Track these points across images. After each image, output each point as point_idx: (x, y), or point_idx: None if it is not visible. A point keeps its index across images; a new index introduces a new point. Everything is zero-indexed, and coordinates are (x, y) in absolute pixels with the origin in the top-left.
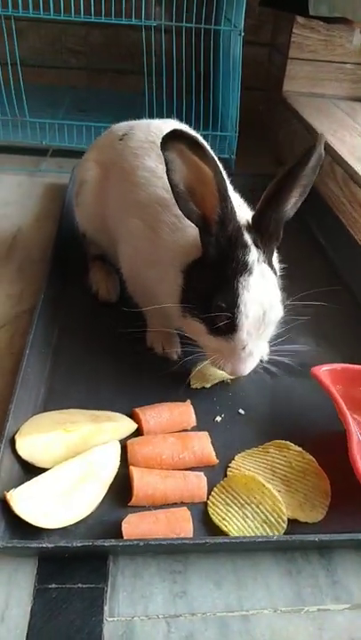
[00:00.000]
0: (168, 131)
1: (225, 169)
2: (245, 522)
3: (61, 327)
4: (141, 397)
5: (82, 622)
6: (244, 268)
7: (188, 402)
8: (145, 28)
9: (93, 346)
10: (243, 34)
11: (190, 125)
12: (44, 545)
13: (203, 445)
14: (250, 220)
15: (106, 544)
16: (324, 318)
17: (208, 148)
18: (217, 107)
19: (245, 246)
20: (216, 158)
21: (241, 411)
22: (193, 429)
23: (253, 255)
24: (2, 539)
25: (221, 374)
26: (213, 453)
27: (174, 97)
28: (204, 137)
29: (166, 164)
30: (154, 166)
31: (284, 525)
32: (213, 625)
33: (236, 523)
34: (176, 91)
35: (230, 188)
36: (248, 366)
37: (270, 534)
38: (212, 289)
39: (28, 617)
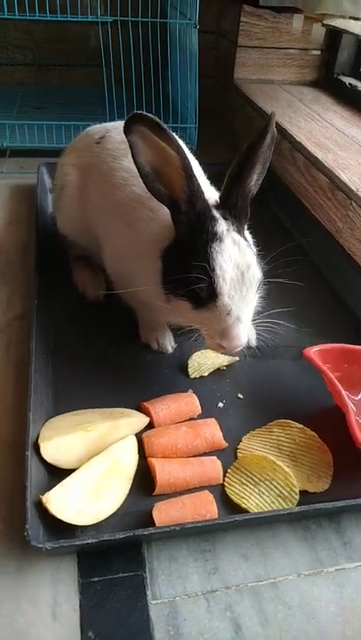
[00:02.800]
0: (131, 115)
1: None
2: (262, 498)
3: (56, 330)
4: (145, 392)
5: (129, 609)
6: (214, 237)
7: (191, 391)
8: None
9: (90, 347)
10: (198, 26)
11: None
12: (89, 541)
13: (213, 431)
14: (217, 200)
15: (146, 532)
16: (302, 302)
17: (167, 128)
18: (176, 99)
19: (215, 219)
20: (179, 139)
21: (240, 395)
22: (199, 417)
23: (223, 226)
24: (46, 540)
25: (216, 362)
26: (222, 438)
27: (134, 91)
28: None
29: (131, 148)
30: (131, 167)
31: (297, 497)
32: (247, 595)
33: (253, 499)
34: (135, 85)
35: (199, 169)
36: (239, 333)
37: (285, 506)
38: (187, 263)
39: (78, 611)
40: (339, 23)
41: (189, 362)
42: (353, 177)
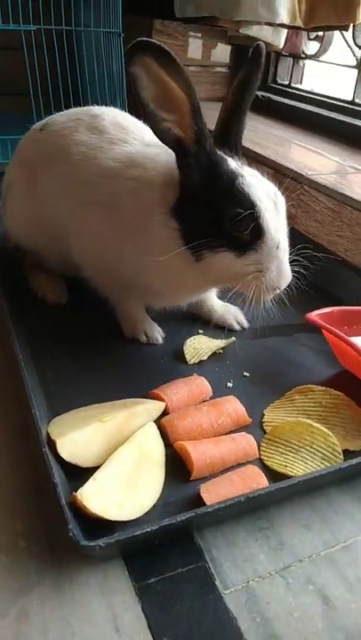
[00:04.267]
0: (134, 42)
1: None
2: (307, 463)
3: (32, 333)
4: (148, 383)
5: (202, 604)
6: (235, 174)
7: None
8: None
9: (73, 346)
10: (123, 34)
11: None
12: (148, 529)
13: (235, 407)
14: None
15: (210, 509)
16: None
17: (179, 60)
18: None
19: (223, 159)
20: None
21: (246, 373)
22: (211, 399)
23: (234, 163)
24: (89, 540)
25: (212, 345)
26: (246, 413)
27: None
28: None
29: (133, 81)
30: (87, 139)
31: (341, 457)
32: (323, 564)
33: (298, 466)
34: (53, 97)
35: None
36: (289, 269)
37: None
38: (218, 209)
39: (144, 618)
40: (255, 31)
41: (185, 348)
42: (297, 164)
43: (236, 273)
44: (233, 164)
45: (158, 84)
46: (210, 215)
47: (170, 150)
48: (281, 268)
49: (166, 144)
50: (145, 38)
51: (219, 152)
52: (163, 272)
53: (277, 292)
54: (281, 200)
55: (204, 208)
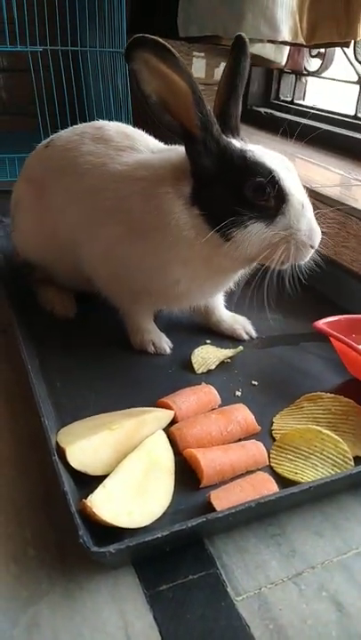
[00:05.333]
0: (132, 39)
1: None
2: (317, 470)
3: (41, 344)
4: (157, 393)
5: (214, 611)
6: (244, 150)
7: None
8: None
9: (82, 357)
10: None
11: None
12: (158, 535)
13: (245, 415)
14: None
15: (220, 515)
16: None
17: (175, 52)
18: None
19: (228, 141)
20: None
21: (254, 382)
22: (220, 407)
23: (239, 142)
24: (99, 546)
25: (220, 354)
26: (255, 420)
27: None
28: None
29: (135, 77)
30: (94, 149)
31: (352, 463)
32: (336, 570)
33: (309, 473)
34: (59, 115)
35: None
36: (317, 226)
37: None
38: (236, 183)
39: (156, 626)
40: (257, 49)
41: (193, 358)
42: (301, 178)
43: (269, 242)
44: (238, 143)
45: (159, 78)
46: (231, 193)
47: (175, 153)
48: (311, 225)
49: (172, 133)
50: (142, 34)
51: (223, 136)
52: (190, 264)
53: (312, 251)
54: (291, 165)
55: (224, 189)
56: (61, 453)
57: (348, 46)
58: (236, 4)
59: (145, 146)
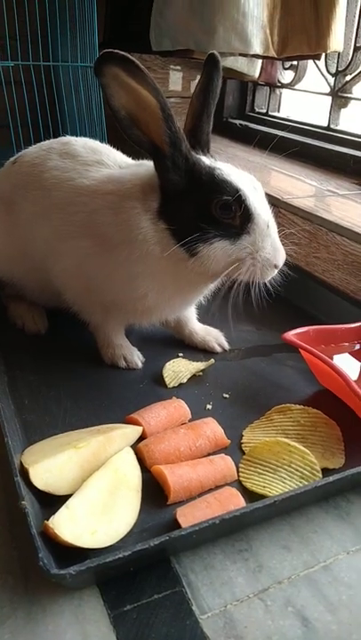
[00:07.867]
0: (101, 54)
1: None
2: (285, 483)
3: (9, 362)
4: (126, 409)
5: (178, 630)
6: (212, 168)
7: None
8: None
9: (51, 374)
10: None
11: None
12: (120, 555)
13: (213, 429)
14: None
15: (184, 532)
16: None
17: (143, 67)
18: None
19: (198, 158)
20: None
21: (225, 395)
22: (190, 421)
23: (208, 160)
24: (61, 569)
25: (191, 368)
26: (224, 434)
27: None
28: None
29: (103, 91)
30: (60, 164)
31: (320, 475)
32: (303, 585)
33: (277, 486)
34: (33, 130)
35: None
36: (282, 246)
37: None
38: (205, 202)
39: None
40: (230, 62)
41: (164, 372)
42: (274, 189)
43: (233, 259)
44: (207, 160)
45: (128, 93)
46: (197, 210)
47: (144, 168)
48: (275, 245)
49: (141, 148)
50: (110, 49)
51: (192, 152)
52: (158, 278)
53: (276, 270)
54: (258, 185)
55: (190, 205)
56: (25, 473)
57: (318, 59)
58: (206, 19)
59: (113, 161)
